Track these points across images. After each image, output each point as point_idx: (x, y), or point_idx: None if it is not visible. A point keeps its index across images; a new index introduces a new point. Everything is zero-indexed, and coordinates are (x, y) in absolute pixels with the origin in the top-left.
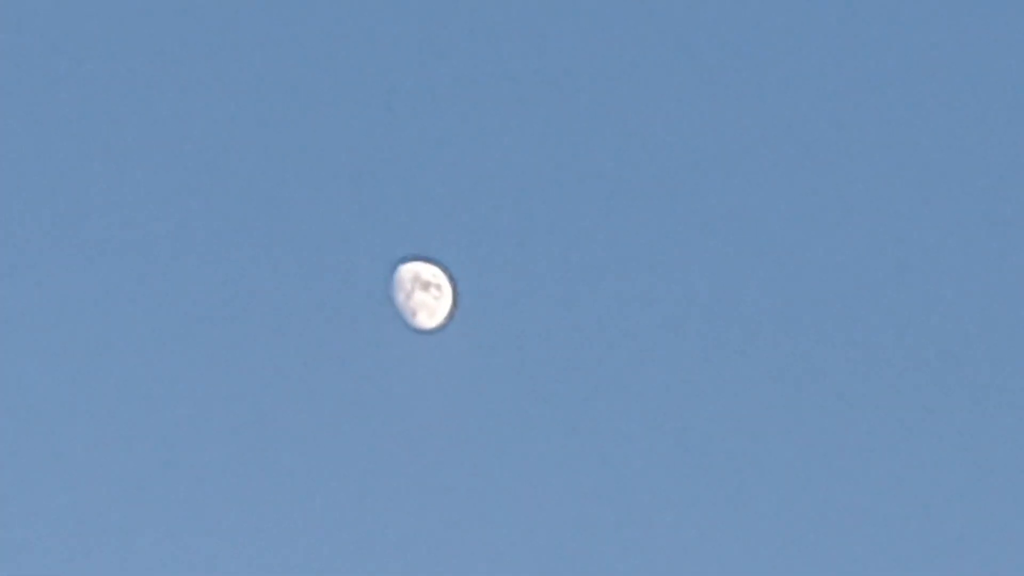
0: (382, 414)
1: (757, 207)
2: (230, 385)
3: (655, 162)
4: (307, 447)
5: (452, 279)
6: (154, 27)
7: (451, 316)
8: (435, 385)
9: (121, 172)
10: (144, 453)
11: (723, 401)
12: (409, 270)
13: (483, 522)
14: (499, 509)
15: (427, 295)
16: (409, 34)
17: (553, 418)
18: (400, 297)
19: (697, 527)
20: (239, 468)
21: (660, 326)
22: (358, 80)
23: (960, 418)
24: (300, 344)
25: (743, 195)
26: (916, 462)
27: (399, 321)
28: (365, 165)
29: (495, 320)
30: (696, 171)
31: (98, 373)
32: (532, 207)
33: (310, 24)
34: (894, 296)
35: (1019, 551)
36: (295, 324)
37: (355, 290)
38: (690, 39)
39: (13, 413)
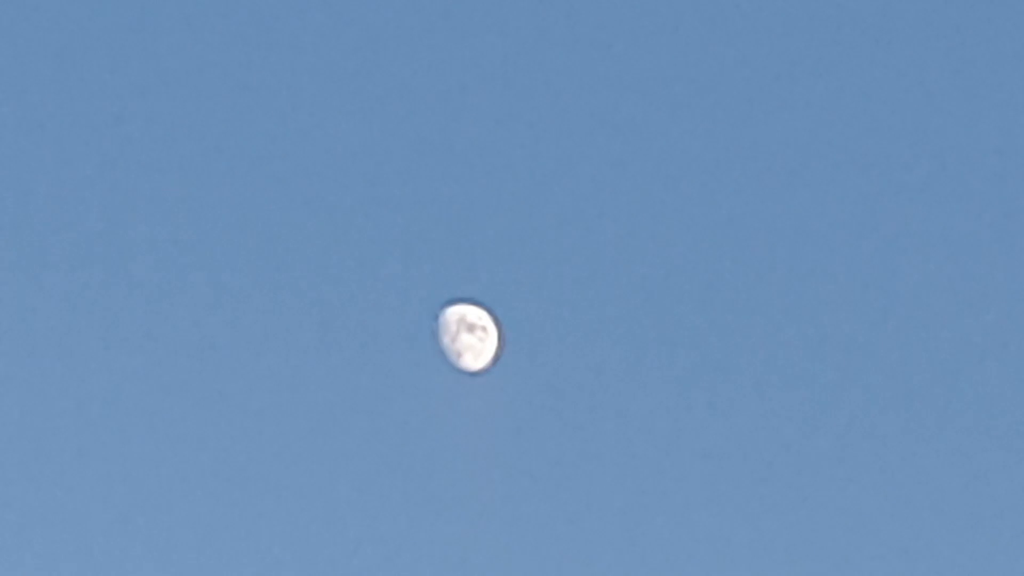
0: (427, 456)
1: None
2: (277, 428)
3: (695, 203)
4: (354, 490)
5: (498, 321)
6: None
7: (497, 358)
8: (480, 427)
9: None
10: (196, 490)
11: (766, 442)
12: (455, 312)
13: (525, 564)
14: (542, 551)
15: (473, 337)
16: (457, 75)
17: (597, 461)
18: (446, 339)
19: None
20: (285, 512)
21: (706, 368)
22: (408, 122)
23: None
24: (347, 386)
25: (790, 223)
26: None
27: (445, 363)
28: (412, 207)
29: (540, 362)
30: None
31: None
32: (577, 250)
33: (359, 63)
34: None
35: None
36: (343, 366)
37: (401, 332)
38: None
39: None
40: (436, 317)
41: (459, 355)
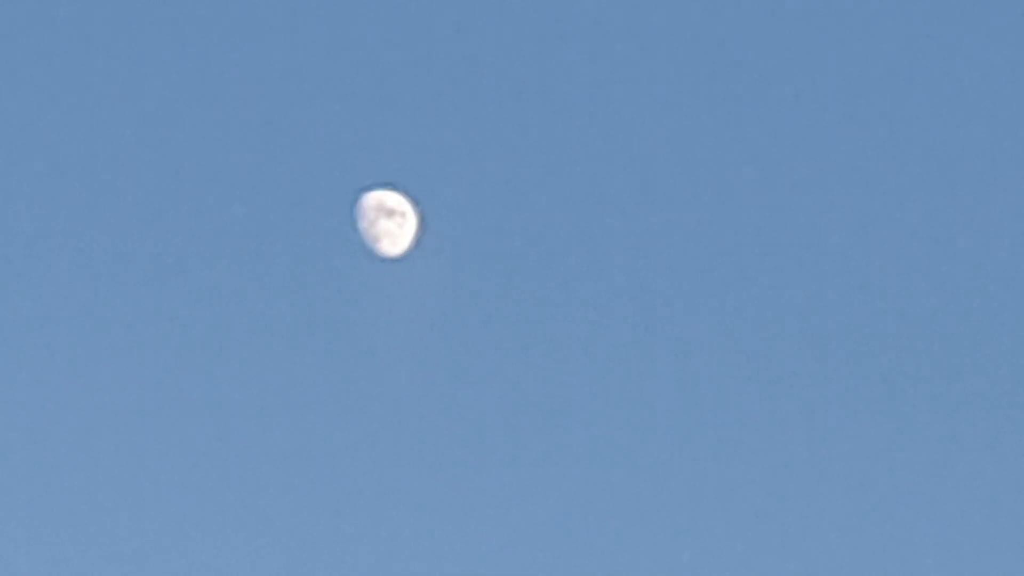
0: (348, 342)
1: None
2: (197, 319)
3: (618, 94)
4: (273, 379)
5: (416, 206)
6: None
7: (415, 243)
8: (400, 313)
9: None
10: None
11: (679, 352)
12: (373, 198)
13: (450, 451)
14: (466, 437)
15: (391, 223)
16: None
17: (516, 344)
18: (364, 225)
19: (655, 476)
20: (208, 402)
21: (626, 251)
22: (322, 8)
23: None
24: (264, 274)
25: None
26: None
27: (363, 249)
28: (329, 93)
29: (459, 247)
30: (670, 116)
31: (74, 312)
32: (496, 133)
33: None
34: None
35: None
36: (259, 254)
37: (319, 219)
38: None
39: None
40: (354, 203)
41: (377, 241)
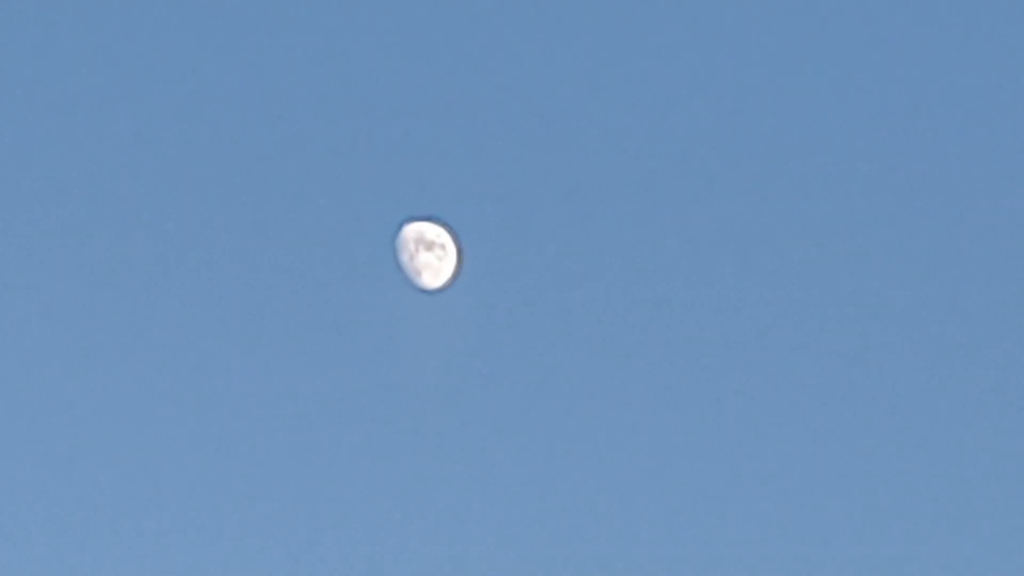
0: (386, 375)
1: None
2: (234, 347)
3: (665, 127)
4: (312, 409)
5: (456, 239)
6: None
7: (455, 276)
8: (439, 346)
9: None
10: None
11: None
12: (413, 230)
13: (485, 480)
14: (502, 469)
15: (431, 255)
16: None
17: (557, 378)
18: (404, 258)
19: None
20: (244, 431)
21: (668, 286)
22: (364, 39)
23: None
24: (305, 307)
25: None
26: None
27: (404, 282)
28: (369, 125)
29: (499, 280)
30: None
31: (96, 333)
32: (536, 167)
33: None
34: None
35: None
36: (299, 286)
37: (360, 251)
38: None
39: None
40: (394, 235)
41: (418, 273)
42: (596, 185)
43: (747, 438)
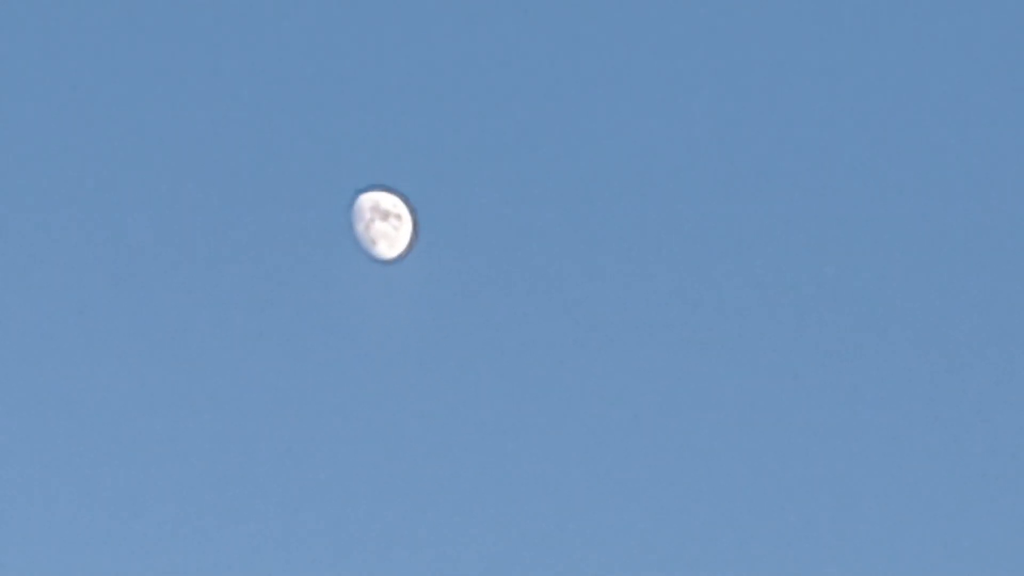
0: (342, 343)
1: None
2: (194, 320)
3: (616, 87)
4: (270, 380)
5: (412, 208)
6: None
7: (411, 246)
8: (395, 314)
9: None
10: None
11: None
12: (369, 200)
13: (442, 447)
14: (461, 437)
15: (387, 225)
16: None
17: (511, 345)
18: (360, 227)
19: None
20: (205, 402)
21: (623, 252)
22: (324, 8)
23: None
24: (261, 275)
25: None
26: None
27: (359, 251)
28: (325, 95)
29: (455, 249)
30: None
31: (70, 305)
32: (492, 136)
33: None
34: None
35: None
36: (255, 256)
37: (315, 220)
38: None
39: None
40: (350, 205)
41: (373, 243)
42: (553, 152)
43: (709, 406)
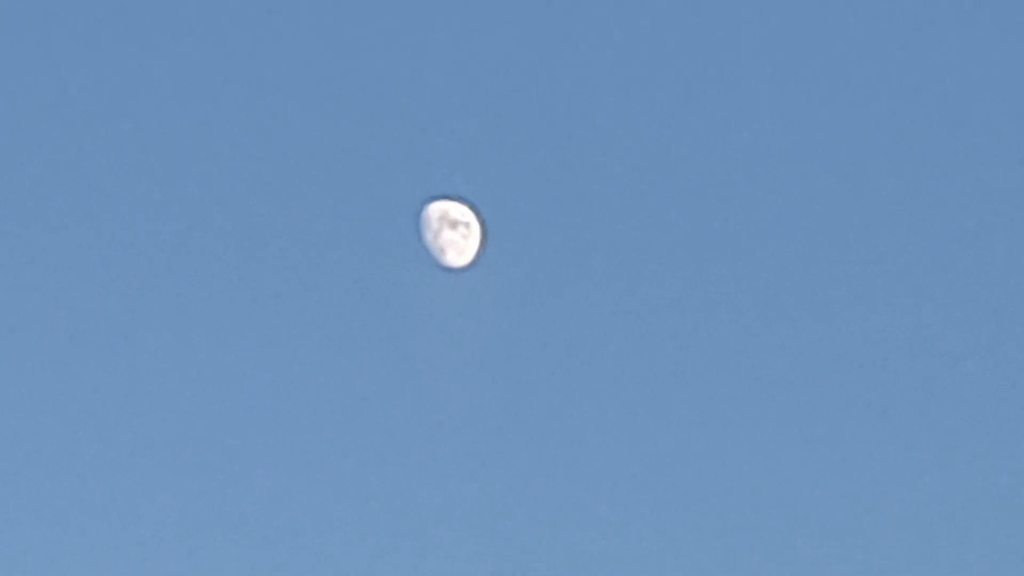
0: (410, 354)
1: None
2: (258, 329)
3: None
4: (339, 391)
5: (480, 217)
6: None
7: (480, 255)
8: (464, 324)
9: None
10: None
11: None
12: (437, 209)
13: (508, 458)
14: (530, 449)
15: (455, 233)
16: None
17: (581, 354)
18: (428, 236)
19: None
20: (267, 411)
21: (690, 258)
22: (387, 19)
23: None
24: (328, 285)
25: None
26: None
27: (428, 260)
28: (392, 103)
29: (524, 258)
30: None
31: (118, 327)
32: (561, 144)
33: None
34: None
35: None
36: (323, 266)
37: (384, 230)
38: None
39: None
40: (419, 214)
41: (442, 252)
42: (620, 162)
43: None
